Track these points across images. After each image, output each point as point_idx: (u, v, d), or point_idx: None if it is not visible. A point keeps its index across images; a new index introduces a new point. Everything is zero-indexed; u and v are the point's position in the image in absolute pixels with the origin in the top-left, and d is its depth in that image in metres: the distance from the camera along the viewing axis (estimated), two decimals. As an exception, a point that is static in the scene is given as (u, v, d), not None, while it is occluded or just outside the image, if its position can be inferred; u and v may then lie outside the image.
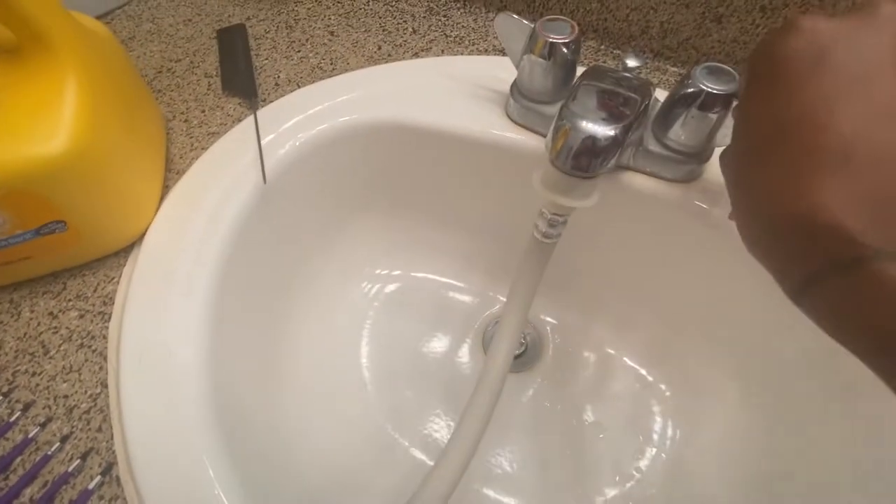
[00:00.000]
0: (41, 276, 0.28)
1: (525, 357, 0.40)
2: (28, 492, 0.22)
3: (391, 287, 0.42)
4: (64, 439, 0.23)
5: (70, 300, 0.27)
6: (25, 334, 0.26)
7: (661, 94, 0.30)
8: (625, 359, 0.38)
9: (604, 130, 0.21)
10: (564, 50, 0.29)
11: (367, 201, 0.39)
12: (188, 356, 0.24)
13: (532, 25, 0.30)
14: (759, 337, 0.33)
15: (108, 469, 0.22)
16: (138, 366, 0.24)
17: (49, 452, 0.23)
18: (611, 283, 0.38)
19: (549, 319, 0.41)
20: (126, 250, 0.29)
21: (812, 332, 0.15)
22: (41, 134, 0.22)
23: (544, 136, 0.33)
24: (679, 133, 0.29)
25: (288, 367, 0.35)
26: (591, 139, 0.21)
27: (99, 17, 0.43)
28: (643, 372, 0.38)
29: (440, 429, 0.36)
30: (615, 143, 0.22)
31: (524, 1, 0.41)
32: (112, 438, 0.23)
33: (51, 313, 0.27)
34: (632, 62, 0.28)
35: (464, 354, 0.40)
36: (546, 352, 0.40)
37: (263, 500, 0.23)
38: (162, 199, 0.31)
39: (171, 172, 0.32)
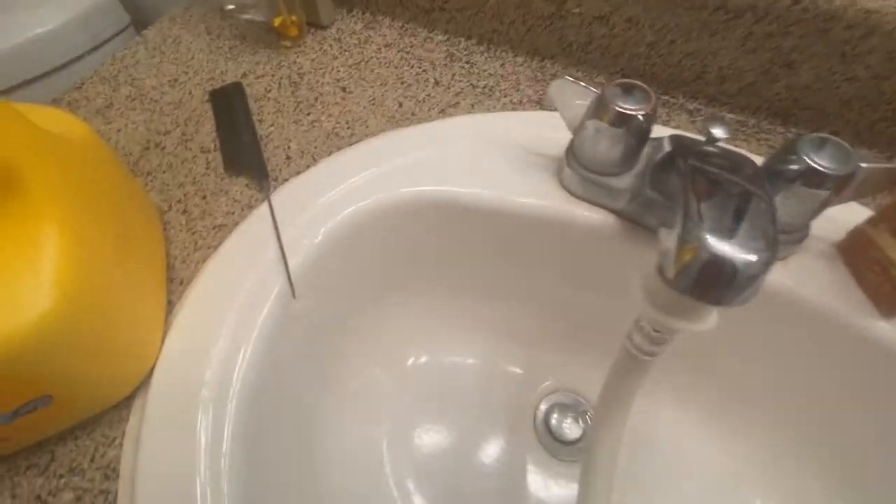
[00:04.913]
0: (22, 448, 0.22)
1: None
2: None
3: (427, 376, 0.37)
4: None
5: (62, 476, 0.22)
6: (7, 532, 0.21)
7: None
8: (703, 444, 0.34)
9: (747, 257, 0.17)
10: (641, 119, 0.25)
11: (401, 286, 0.34)
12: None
13: (598, 92, 0.26)
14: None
15: None
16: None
17: None
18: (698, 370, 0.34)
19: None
20: (129, 399, 0.23)
21: None
22: (17, 304, 0.17)
23: (609, 209, 0.29)
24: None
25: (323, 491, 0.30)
26: (732, 267, 0.17)
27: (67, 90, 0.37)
28: (726, 460, 0.34)
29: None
30: (761, 272, 0.17)
31: (558, 45, 0.37)
32: None
33: (38, 497, 0.21)
34: (719, 132, 0.23)
35: (516, 450, 0.35)
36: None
37: None
38: (166, 322, 0.25)
39: (173, 283, 0.27)
